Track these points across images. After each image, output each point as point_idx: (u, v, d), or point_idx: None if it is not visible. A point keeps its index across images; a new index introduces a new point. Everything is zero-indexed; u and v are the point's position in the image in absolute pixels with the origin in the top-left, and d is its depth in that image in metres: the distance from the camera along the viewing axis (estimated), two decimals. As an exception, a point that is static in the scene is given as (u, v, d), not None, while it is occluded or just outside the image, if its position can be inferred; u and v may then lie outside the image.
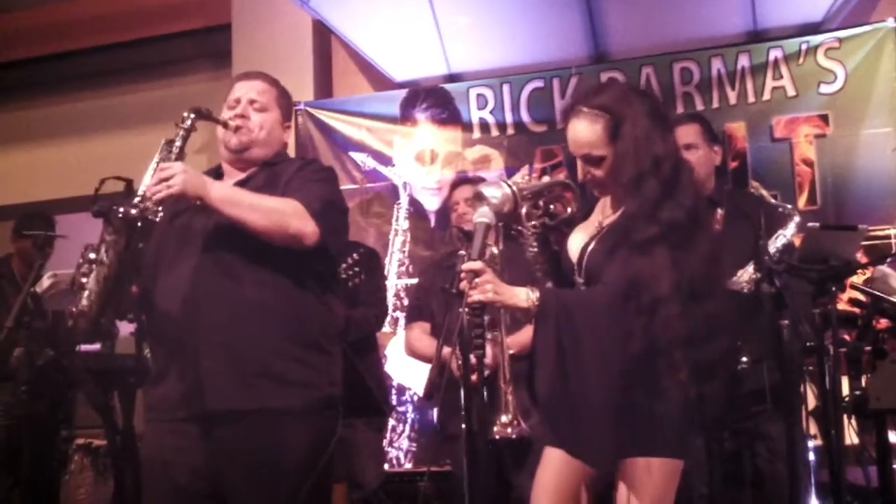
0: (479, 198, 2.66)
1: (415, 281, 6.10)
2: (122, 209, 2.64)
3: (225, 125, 2.93)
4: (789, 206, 4.04)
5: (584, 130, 2.75)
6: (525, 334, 3.67)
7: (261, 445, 2.73)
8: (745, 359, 3.73)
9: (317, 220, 2.78)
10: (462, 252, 2.77)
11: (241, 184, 2.92)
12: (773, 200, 4.04)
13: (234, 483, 2.75)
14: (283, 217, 2.73)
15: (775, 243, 3.92)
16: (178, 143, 2.83)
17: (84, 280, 2.70)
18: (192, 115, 2.86)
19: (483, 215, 2.62)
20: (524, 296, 2.67)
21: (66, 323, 5.67)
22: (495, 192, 2.65)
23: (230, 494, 2.76)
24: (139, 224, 2.65)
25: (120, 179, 2.80)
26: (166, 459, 2.79)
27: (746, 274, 3.81)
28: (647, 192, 2.68)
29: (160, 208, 2.67)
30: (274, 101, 3.07)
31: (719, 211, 4.07)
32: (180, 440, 2.77)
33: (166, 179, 2.64)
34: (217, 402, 2.73)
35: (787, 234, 3.94)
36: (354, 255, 4.44)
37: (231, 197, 2.74)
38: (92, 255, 2.70)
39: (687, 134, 4.10)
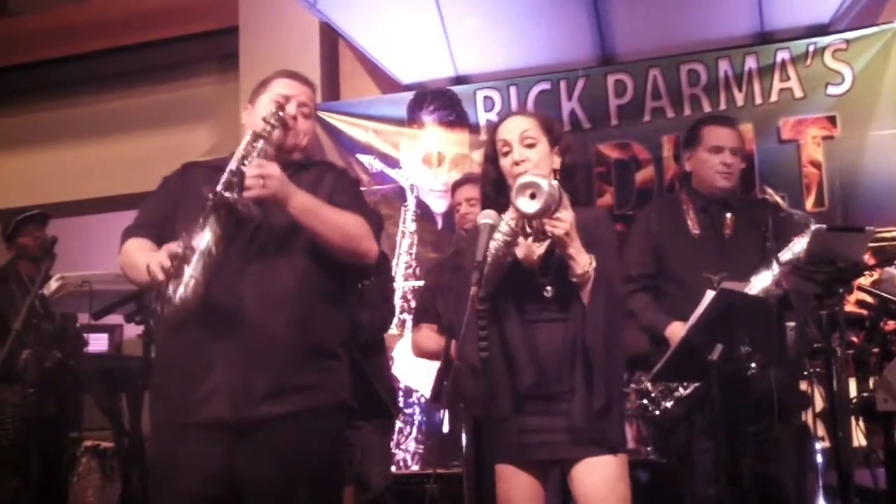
0: (530, 187, 2.67)
1: (422, 283, 6.11)
2: (240, 205, 2.62)
3: (285, 124, 2.89)
4: (802, 213, 4.01)
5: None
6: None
7: (282, 446, 2.74)
8: (753, 365, 3.72)
9: (377, 240, 2.91)
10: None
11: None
12: (788, 207, 4.01)
13: (255, 485, 2.75)
14: (357, 237, 2.83)
15: (792, 249, 3.89)
16: (264, 141, 2.80)
17: (185, 266, 2.60)
18: (278, 113, 2.86)
19: (487, 216, 2.65)
20: (588, 259, 2.78)
21: (74, 325, 5.73)
22: (546, 187, 2.68)
23: (250, 496, 2.76)
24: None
25: None
26: (177, 465, 2.76)
27: (763, 283, 3.79)
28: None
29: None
30: (314, 108, 3.09)
31: (728, 216, 4.07)
32: (194, 445, 2.74)
33: (263, 177, 2.66)
34: (243, 409, 2.71)
35: (804, 242, 3.90)
36: None
37: (312, 208, 2.77)
38: (194, 243, 2.62)
39: (734, 137, 4.16)
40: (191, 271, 2.60)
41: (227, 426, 2.71)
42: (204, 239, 2.63)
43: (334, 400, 2.86)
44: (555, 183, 2.71)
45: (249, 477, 2.74)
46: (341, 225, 2.80)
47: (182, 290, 2.59)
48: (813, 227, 3.91)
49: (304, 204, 2.75)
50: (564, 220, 2.71)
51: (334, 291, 2.90)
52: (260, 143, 2.79)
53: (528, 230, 2.78)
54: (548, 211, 2.69)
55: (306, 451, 2.77)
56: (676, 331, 3.84)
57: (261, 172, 2.66)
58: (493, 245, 2.73)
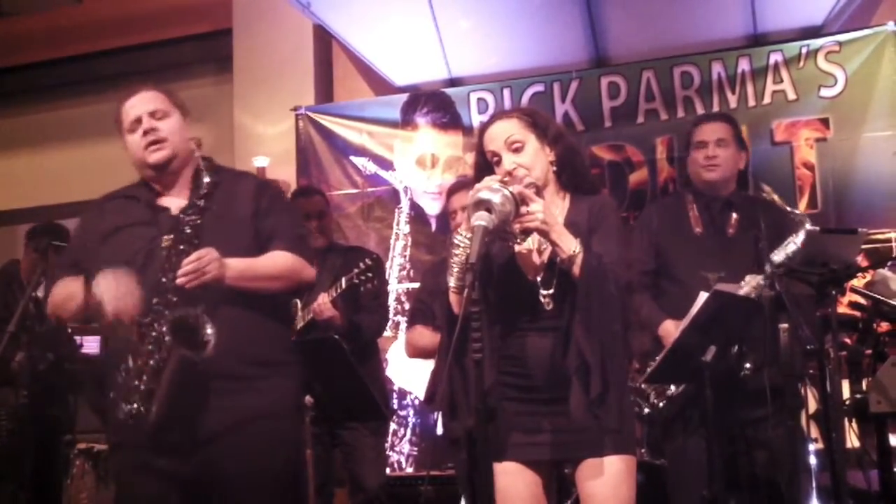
0: (480, 205, 2.62)
1: (415, 285, 6.10)
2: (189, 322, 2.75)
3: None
4: (799, 212, 4.01)
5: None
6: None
7: (248, 445, 2.85)
8: (748, 365, 3.73)
9: (311, 263, 3.06)
10: (456, 254, 2.77)
11: (198, 210, 2.95)
12: (785, 206, 4.02)
13: (224, 484, 2.85)
14: (294, 276, 3.00)
15: (785, 250, 3.90)
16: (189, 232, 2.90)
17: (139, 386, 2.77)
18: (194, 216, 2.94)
19: (481, 218, 2.58)
20: (573, 243, 2.71)
21: (67, 330, 5.72)
22: (497, 198, 2.63)
23: (221, 497, 2.86)
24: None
25: None
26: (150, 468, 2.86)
27: (755, 281, 3.80)
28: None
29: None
30: (170, 104, 3.12)
31: (734, 215, 4.08)
32: (163, 460, 2.84)
33: (204, 267, 2.77)
34: (196, 433, 2.83)
35: (797, 242, 3.91)
36: (367, 261, 4.43)
37: (245, 272, 2.89)
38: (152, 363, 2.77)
39: (720, 129, 4.15)
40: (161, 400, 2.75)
41: (190, 446, 2.88)
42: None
43: (287, 401, 3.03)
44: (507, 192, 2.63)
45: (219, 474, 2.87)
46: (276, 273, 2.96)
47: (154, 416, 2.75)
48: (808, 225, 3.92)
49: (238, 273, 2.86)
50: (534, 212, 2.66)
51: (272, 309, 3.01)
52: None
53: (506, 234, 2.76)
54: (508, 220, 2.64)
55: (269, 443, 2.92)
56: (669, 329, 3.86)
57: (199, 266, 2.77)
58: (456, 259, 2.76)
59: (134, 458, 2.88)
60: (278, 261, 2.95)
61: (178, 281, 2.75)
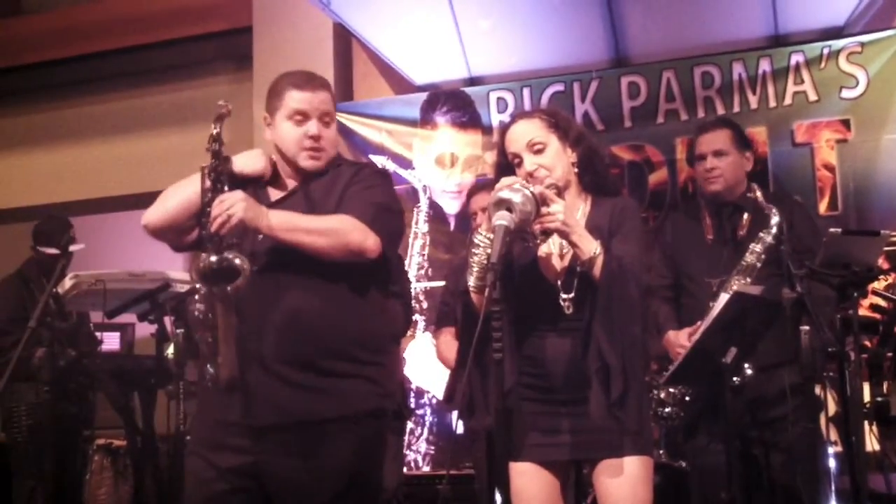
0: (501, 204, 2.63)
1: (433, 284, 6.10)
2: (214, 264, 2.66)
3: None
4: (773, 208, 3.96)
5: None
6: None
7: (303, 452, 2.76)
8: (747, 366, 3.71)
9: (375, 230, 2.82)
10: (476, 254, 2.77)
11: (299, 193, 2.93)
12: (762, 201, 3.97)
13: (277, 486, 2.79)
14: (342, 235, 2.77)
15: (755, 249, 3.90)
16: (216, 169, 2.82)
17: (211, 345, 2.70)
18: (215, 141, 2.87)
19: (502, 218, 2.58)
20: (593, 245, 2.71)
21: (87, 324, 5.75)
22: (518, 197, 2.63)
23: (274, 496, 2.81)
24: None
25: None
26: (211, 460, 2.81)
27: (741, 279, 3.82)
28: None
29: (234, 239, 2.70)
30: (334, 108, 3.04)
31: (745, 216, 4.07)
32: (228, 439, 2.79)
33: (227, 210, 2.66)
34: (265, 417, 2.76)
35: (767, 239, 3.90)
36: None
37: (286, 223, 2.75)
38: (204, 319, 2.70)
39: (717, 140, 4.14)
40: (222, 348, 2.69)
41: (252, 431, 2.80)
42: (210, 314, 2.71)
43: (363, 406, 2.85)
44: (528, 191, 2.64)
45: (273, 475, 2.81)
46: (323, 230, 2.77)
47: (223, 370, 2.69)
48: (774, 219, 3.88)
49: (276, 222, 2.74)
50: (554, 213, 2.67)
51: (357, 290, 2.87)
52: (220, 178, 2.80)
53: (526, 235, 2.75)
54: (528, 220, 2.64)
55: (326, 455, 2.79)
56: (669, 339, 3.90)
57: (222, 208, 2.67)
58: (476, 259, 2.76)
59: (201, 456, 2.83)
60: (328, 218, 2.82)
61: (213, 228, 2.67)
